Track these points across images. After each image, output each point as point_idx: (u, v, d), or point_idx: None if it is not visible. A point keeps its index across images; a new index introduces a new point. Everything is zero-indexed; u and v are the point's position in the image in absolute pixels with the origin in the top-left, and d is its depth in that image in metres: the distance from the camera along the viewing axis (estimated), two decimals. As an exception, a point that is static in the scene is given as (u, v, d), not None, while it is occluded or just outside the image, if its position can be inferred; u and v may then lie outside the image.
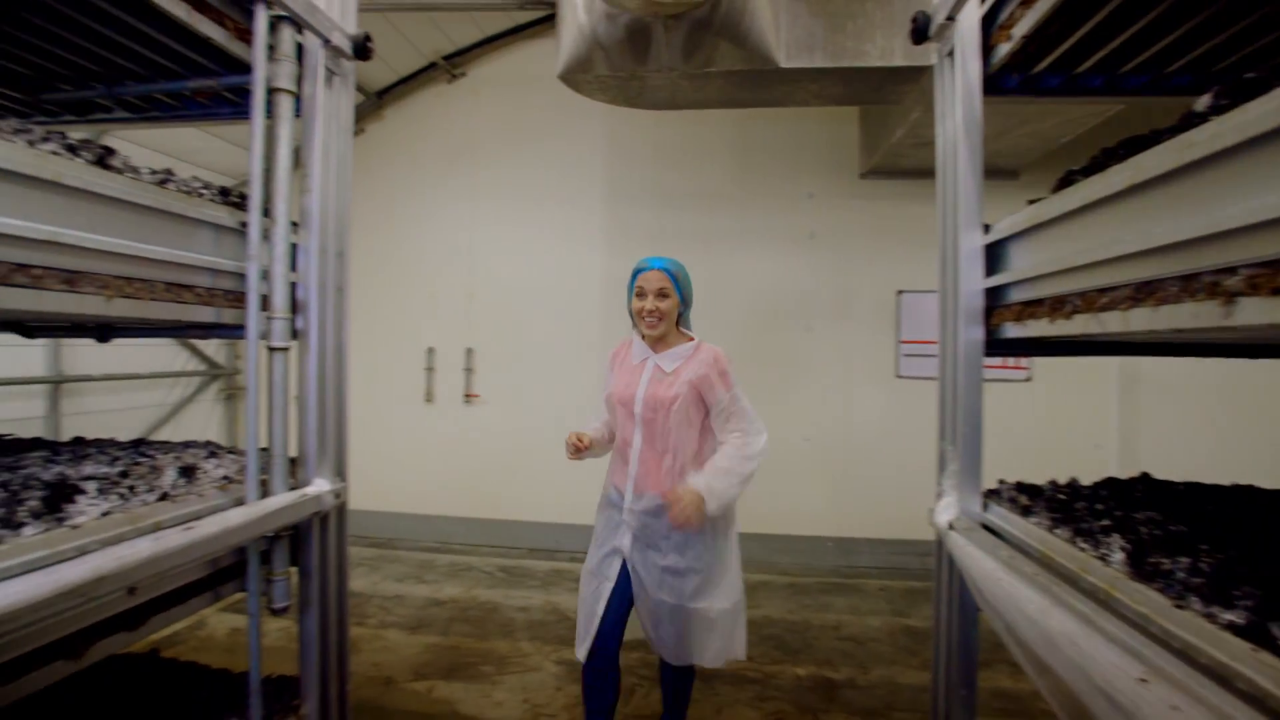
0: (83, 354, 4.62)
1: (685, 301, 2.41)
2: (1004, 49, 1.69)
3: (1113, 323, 1.14)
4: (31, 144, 1.30)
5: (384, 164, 5.72)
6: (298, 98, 1.92)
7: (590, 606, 2.34)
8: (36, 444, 2.14)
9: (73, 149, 1.39)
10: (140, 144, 4.41)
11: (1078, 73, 1.83)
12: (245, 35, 1.85)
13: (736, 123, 5.29)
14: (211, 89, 2.05)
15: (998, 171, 4.64)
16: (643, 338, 2.45)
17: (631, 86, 3.78)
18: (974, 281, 1.71)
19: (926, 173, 5.13)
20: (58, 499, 1.36)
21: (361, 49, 2.13)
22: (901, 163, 4.79)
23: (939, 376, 1.93)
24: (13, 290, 1.23)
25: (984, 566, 1.29)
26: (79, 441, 2.26)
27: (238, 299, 1.81)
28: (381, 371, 5.57)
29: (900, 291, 5.14)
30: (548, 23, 5.41)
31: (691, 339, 2.43)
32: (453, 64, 5.63)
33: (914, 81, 3.63)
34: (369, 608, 4.12)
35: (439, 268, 5.64)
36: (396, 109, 5.78)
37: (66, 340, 4.42)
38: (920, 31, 1.94)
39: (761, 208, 5.31)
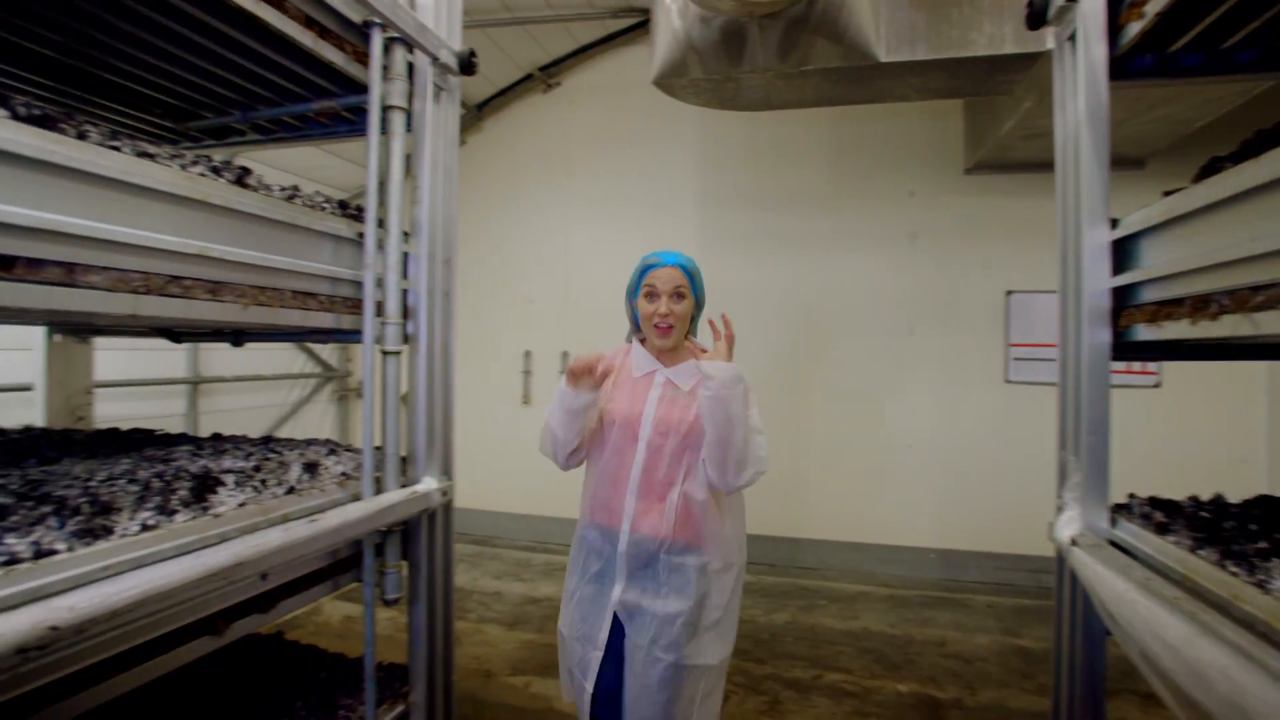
0: (216, 357, 5.04)
1: (700, 303, 2.04)
2: (1134, 28, 1.57)
3: (1271, 323, 1.04)
4: (184, 167, 1.43)
5: (483, 174, 5.94)
6: (408, 113, 2.02)
7: (579, 682, 1.95)
8: (182, 439, 2.35)
9: (217, 170, 1.52)
10: (268, 164, 4.78)
11: (1224, 48, 1.67)
12: (362, 58, 1.97)
13: (832, 121, 5.17)
14: (332, 109, 2.19)
15: (1121, 161, 4.31)
16: (645, 345, 2.08)
17: (726, 89, 3.77)
18: (1099, 280, 1.59)
19: (1039, 166, 4.93)
20: (203, 490, 1.49)
21: (467, 65, 2.22)
22: (1010, 156, 4.54)
23: (1059, 382, 1.81)
24: (168, 300, 1.36)
25: (1114, 587, 1.20)
26: (217, 437, 2.46)
27: (354, 305, 1.93)
28: (481, 374, 5.79)
29: (1009, 292, 4.86)
30: (640, 29, 5.49)
31: (705, 349, 2.06)
32: (548, 74, 5.79)
33: (1026, 70, 3.43)
34: (469, 603, 4.28)
35: (535, 273, 5.81)
36: (495, 120, 5.99)
37: (204, 344, 4.83)
38: (1037, 16, 1.83)
39: (859, 208, 5.16)
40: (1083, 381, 1.63)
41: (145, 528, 1.33)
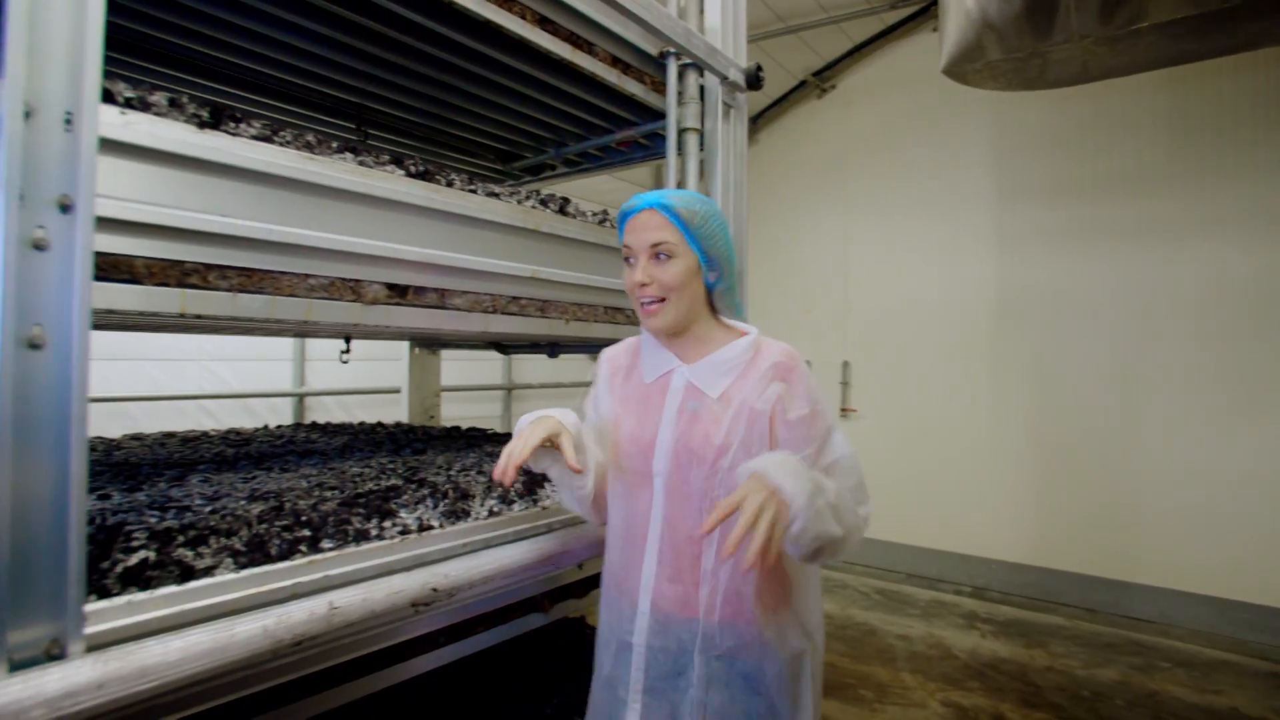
0: (526, 366, 5.77)
1: (715, 266, 1.31)
2: None
3: None
4: (519, 202, 1.66)
5: (759, 185, 6.01)
6: (700, 133, 2.11)
7: None
8: (507, 438, 2.71)
9: (544, 202, 1.74)
10: (569, 193, 5.37)
11: None
12: (659, 86, 2.11)
13: (1165, 86, 4.31)
14: (631, 138, 2.38)
15: None
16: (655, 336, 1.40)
17: (1031, 66, 3.35)
18: None
19: None
20: (533, 483, 1.69)
21: (754, 80, 2.26)
22: None
23: None
24: (509, 317, 1.58)
25: None
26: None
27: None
28: (757, 384, 5.83)
29: None
30: (920, 18, 5.15)
31: (744, 333, 1.36)
32: (822, 79, 5.68)
33: None
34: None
35: (814, 282, 5.72)
36: (769, 131, 6.04)
37: (516, 355, 5.56)
38: None
39: (1212, 186, 4.22)
40: None
41: (492, 513, 1.55)
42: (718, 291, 1.34)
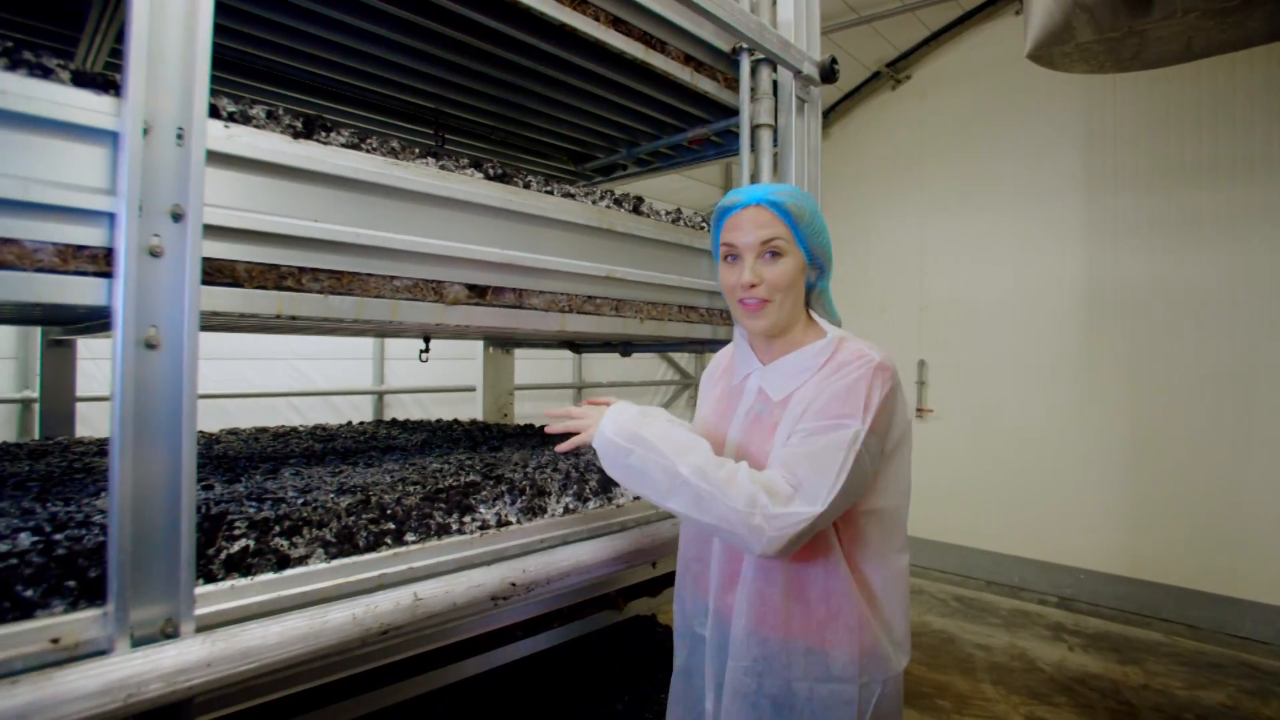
0: (595, 365, 5.83)
1: (817, 264, 1.27)
2: None
3: None
4: (594, 202, 1.67)
5: (831, 181, 5.88)
6: (774, 129, 2.08)
7: None
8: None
9: (618, 202, 1.75)
10: (639, 192, 5.40)
11: None
12: (731, 83, 2.09)
13: (1274, 62, 3.99)
14: (703, 135, 2.37)
15: None
16: (748, 336, 1.35)
17: (1126, 46, 3.16)
18: None
19: None
20: (608, 482, 1.70)
21: (828, 73, 2.21)
22: None
23: None
24: (584, 316, 1.59)
25: None
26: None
27: (728, 317, 2.05)
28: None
29: None
30: (999, 3, 4.95)
31: (827, 333, 1.26)
32: (896, 69, 5.52)
33: None
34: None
35: (888, 279, 5.56)
36: (842, 126, 5.91)
37: (586, 354, 5.62)
38: None
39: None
40: None
41: (567, 510, 1.57)
42: (815, 291, 1.30)
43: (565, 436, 1.25)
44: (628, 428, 1.13)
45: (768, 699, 1.15)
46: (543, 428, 2.88)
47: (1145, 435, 4.31)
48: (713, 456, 1.11)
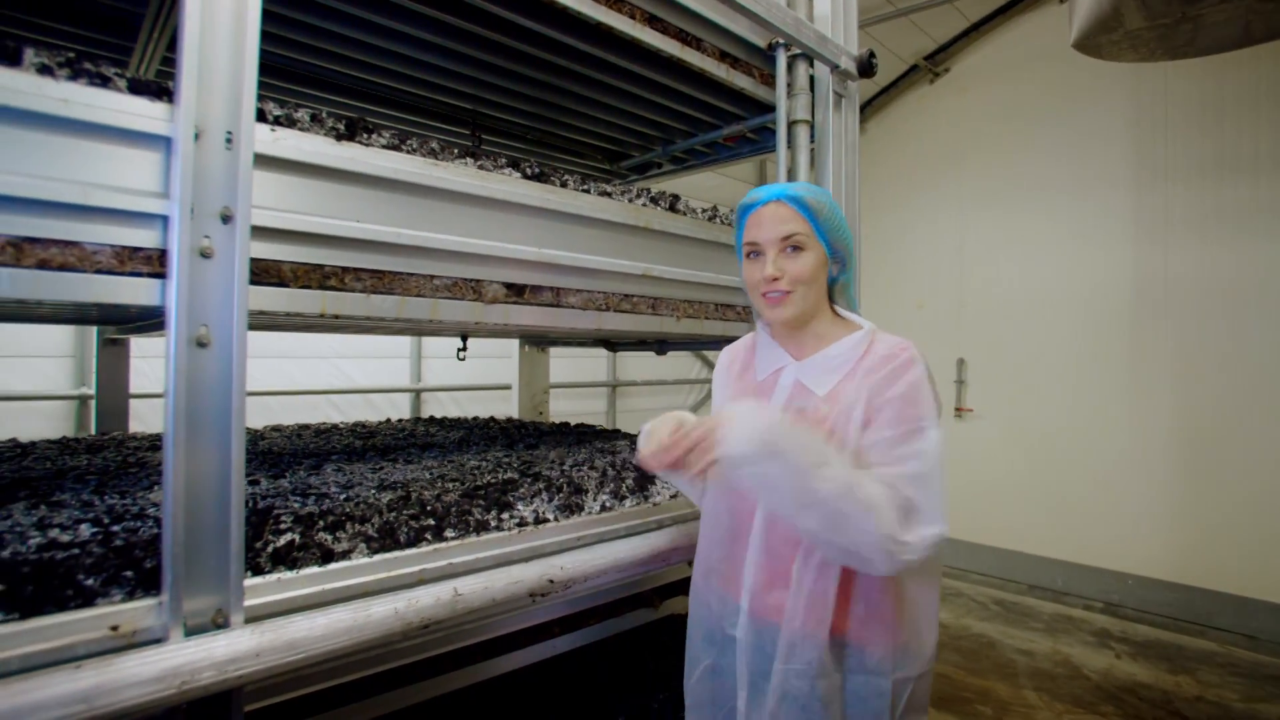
0: (630, 363, 5.83)
1: (838, 258, 1.28)
2: None
3: None
4: (630, 200, 1.67)
5: (868, 177, 5.79)
6: (811, 125, 2.06)
7: None
8: (616, 434, 2.75)
9: (655, 200, 1.74)
10: (675, 190, 5.40)
11: None
12: (767, 79, 2.07)
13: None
14: (739, 133, 2.35)
15: None
16: (772, 331, 1.36)
17: (1180, 32, 3.05)
18: None
19: None
20: (644, 480, 1.71)
21: (866, 67, 2.18)
22: None
23: None
24: (621, 315, 1.60)
25: None
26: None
27: (761, 315, 2.03)
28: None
29: None
30: (1046, -10, 4.82)
31: (858, 327, 1.29)
32: (934, 62, 5.42)
33: None
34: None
35: (927, 276, 5.47)
36: (878, 121, 5.82)
37: (621, 352, 5.63)
38: None
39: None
40: None
41: (604, 508, 1.58)
42: (837, 285, 1.31)
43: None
44: (763, 436, 1.04)
45: (819, 700, 1.14)
46: (577, 426, 2.90)
47: (1198, 436, 4.16)
48: (853, 472, 1.07)
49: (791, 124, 2.00)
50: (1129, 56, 3.36)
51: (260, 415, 3.77)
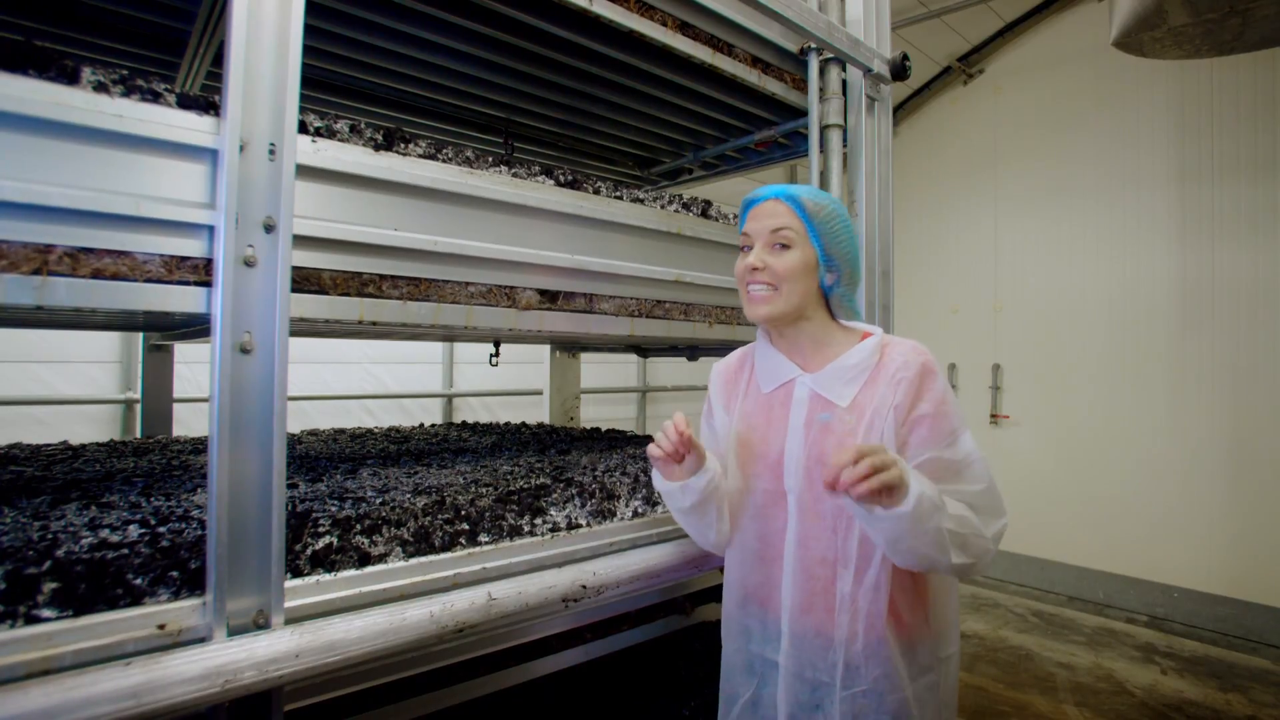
0: (660, 369, 5.83)
1: (834, 267, 1.24)
2: None
3: None
4: (662, 206, 1.68)
5: (901, 180, 5.73)
6: (844, 129, 2.04)
7: None
8: (646, 440, 2.75)
9: (687, 206, 1.74)
10: (705, 197, 5.40)
11: None
12: (799, 84, 2.06)
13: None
14: (771, 138, 2.34)
15: None
16: (774, 339, 1.33)
17: (1226, 27, 2.97)
18: None
19: None
20: (675, 486, 1.70)
21: (899, 70, 2.16)
22: None
23: None
24: (653, 321, 1.60)
25: None
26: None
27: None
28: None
29: None
30: (1084, -12, 4.73)
31: (867, 334, 1.27)
32: (968, 63, 5.34)
33: None
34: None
35: (961, 280, 5.38)
36: (910, 124, 5.75)
37: (654, 358, 5.64)
38: None
39: None
40: None
41: (636, 514, 1.58)
42: (834, 296, 1.27)
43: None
44: (932, 492, 1.04)
45: (889, 715, 1.15)
46: (608, 431, 2.90)
47: (1248, 443, 4.02)
48: (949, 501, 1.10)
49: (824, 129, 1.99)
50: (1173, 54, 3.28)
51: (297, 420, 3.85)
